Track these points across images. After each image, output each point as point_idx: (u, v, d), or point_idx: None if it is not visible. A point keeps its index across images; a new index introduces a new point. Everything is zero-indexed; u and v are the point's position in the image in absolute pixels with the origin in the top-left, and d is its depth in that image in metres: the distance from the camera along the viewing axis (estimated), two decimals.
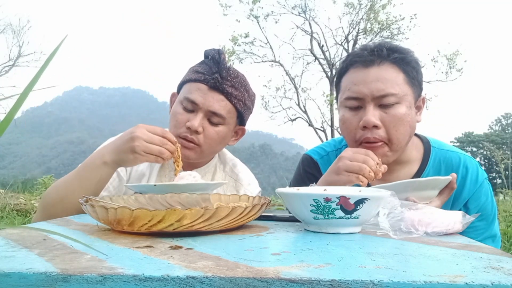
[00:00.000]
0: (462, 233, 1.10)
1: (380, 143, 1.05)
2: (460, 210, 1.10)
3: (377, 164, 0.96)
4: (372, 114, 1.03)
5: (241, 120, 1.27)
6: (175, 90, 1.32)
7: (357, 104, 1.07)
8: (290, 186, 1.27)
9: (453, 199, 1.12)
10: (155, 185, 0.97)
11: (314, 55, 14.72)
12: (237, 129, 1.30)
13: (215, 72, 1.18)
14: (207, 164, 1.34)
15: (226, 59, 1.21)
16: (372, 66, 1.05)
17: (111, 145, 1.08)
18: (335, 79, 1.20)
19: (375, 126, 1.04)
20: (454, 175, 0.96)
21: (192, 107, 1.19)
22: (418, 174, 1.16)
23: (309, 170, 1.28)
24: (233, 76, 1.20)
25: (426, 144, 1.20)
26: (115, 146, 1.06)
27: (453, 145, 1.26)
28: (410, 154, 1.16)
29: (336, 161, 0.99)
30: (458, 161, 1.16)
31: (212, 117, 1.20)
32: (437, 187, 0.95)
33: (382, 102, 1.04)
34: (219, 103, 1.18)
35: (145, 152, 1.01)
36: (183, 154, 1.21)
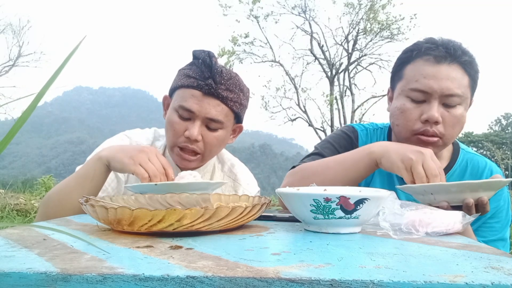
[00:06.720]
0: (479, 231, 1.14)
1: (436, 139, 1.08)
2: None
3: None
4: (437, 111, 1.06)
5: (238, 119, 1.27)
6: None
7: (422, 97, 1.09)
8: (323, 143, 1.30)
9: None
10: (156, 184, 0.97)
11: (314, 55, 14.68)
12: (234, 127, 1.30)
13: (208, 77, 1.14)
14: (205, 164, 1.33)
15: (217, 60, 1.18)
16: (443, 63, 1.07)
17: (115, 145, 1.12)
18: (394, 64, 1.19)
19: (436, 122, 1.07)
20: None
21: (188, 115, 1.17)
22: (446, 171, 1.19)
23: (347, 132, 1.30)
24: (226, 79, 1.17)
25: (456, 145, 1.25)
26: (119, 147, 1.08)
27: None
28: (442, 151, 1.20)
29: (418, 150, 0.95)
30: (484, 165, 1.21)
31: (209, 123, 1.17)
32: (497, 189, 0.92)
33: (447, 101, 1.07)
34: (215, 109, 1.16)
35: (140, 165, 1.01)
36: (185, 165, 1.22)
